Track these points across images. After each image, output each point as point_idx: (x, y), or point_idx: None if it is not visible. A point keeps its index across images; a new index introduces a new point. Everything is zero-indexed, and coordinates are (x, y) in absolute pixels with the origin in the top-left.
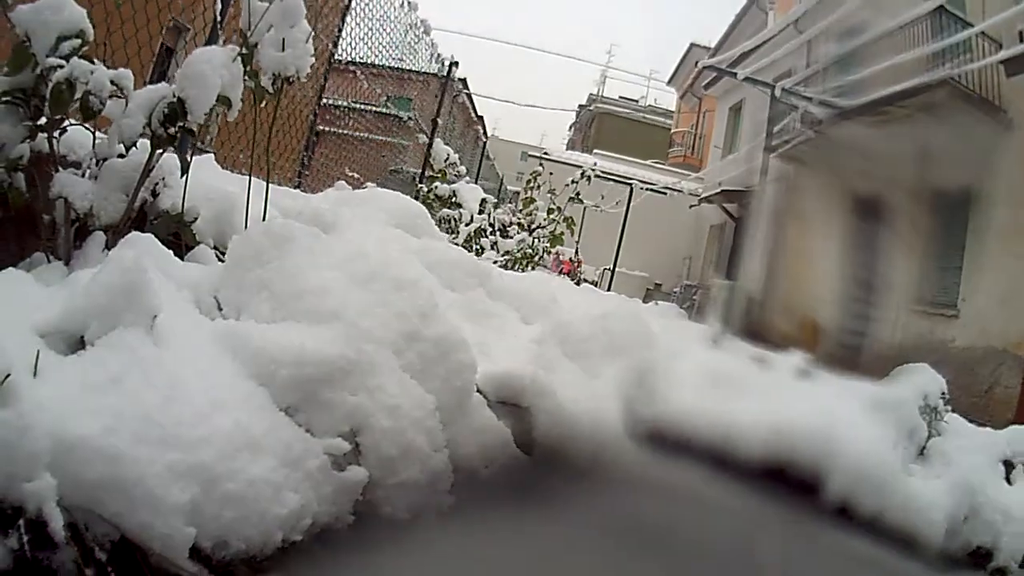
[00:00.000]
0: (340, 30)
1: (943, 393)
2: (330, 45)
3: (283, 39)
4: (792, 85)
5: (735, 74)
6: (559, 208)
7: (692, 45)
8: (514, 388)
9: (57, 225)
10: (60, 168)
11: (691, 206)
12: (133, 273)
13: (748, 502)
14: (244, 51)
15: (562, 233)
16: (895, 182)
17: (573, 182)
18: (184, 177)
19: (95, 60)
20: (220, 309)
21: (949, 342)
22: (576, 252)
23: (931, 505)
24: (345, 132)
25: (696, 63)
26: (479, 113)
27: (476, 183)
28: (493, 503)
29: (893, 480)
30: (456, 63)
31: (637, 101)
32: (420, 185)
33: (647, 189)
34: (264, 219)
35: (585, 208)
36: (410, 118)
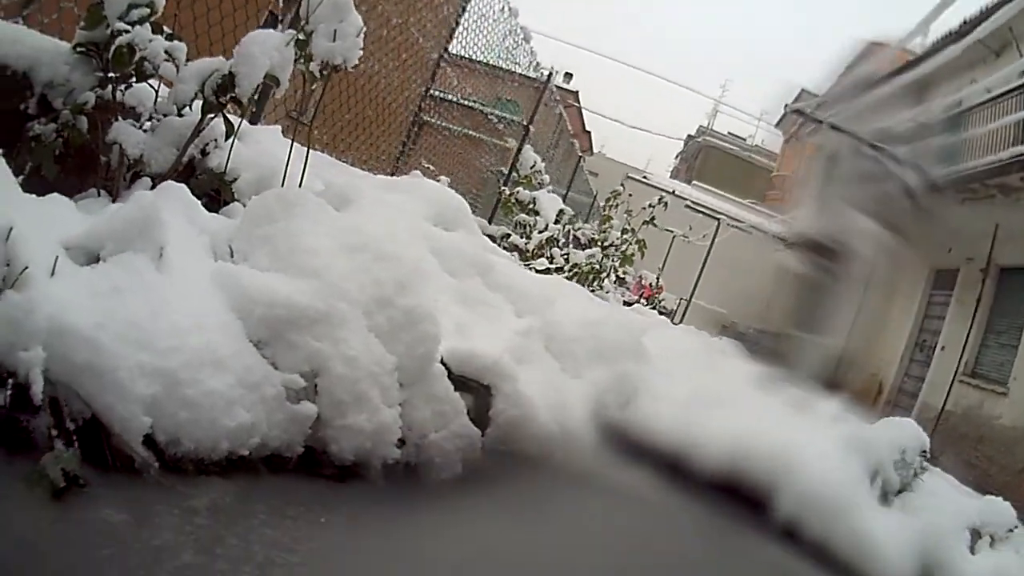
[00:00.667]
0: (456, 23)
1: (924, 451)
2: (445, 35)
3: (334, 30)
4: (880, 141)
5: (820, 121)
6: (633, 230)
7: (803, 91)
8: (477, 366)
9: (111, 166)
10: (120, 118)
11: (776, 250)
12: (148, 210)
13: (686, 508)
14: (300, 37)
15: (632, 254)
16: (971, 259)
17: (650, 206)
18: (230, 141)
19: (165, 29)
20: (232, 256)
21: (995, 418)
22: (658, 279)
23: (885, 542)
24: (450, 126)
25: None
26: (587, 128)
27: (567, 195)
28: (433, 466)
29: (847, 511)
30: (569, 74)
31: (745, 140)
32: (503, 188)
33: (733, 225)
34: (300, 186)
35: (673, 237)
36: (517, 121)
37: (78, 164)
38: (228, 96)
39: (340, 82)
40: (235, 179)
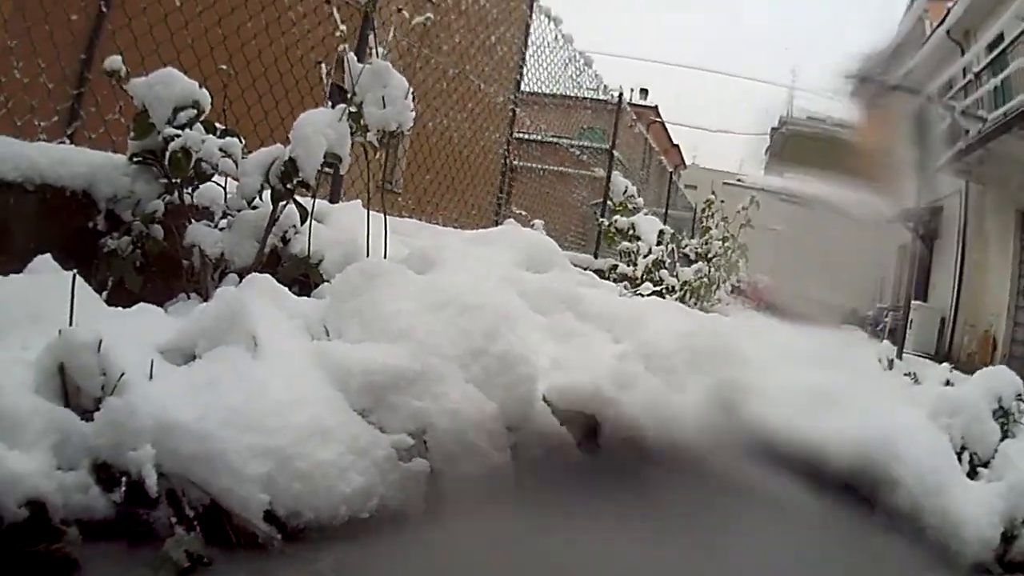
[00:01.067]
0: (523, 64)
1: (1020, 395)
2: (516, 76)
3: (381, 97)
4: (943, 94)
5: (882, 82)
6: (732, 236)
7: (867, 55)
8: (578, 397)
9: (195, 269)
10: (193, 220)
11: (878, 225)
12: (233, 304)
13: (800, 506)
14: (351, 110)
15: (737, 261)
16: None
17: (743, 209)
18: (307, 225)
19: (217, 125)
20: (327, 333)
21: None
22: (768, 280)
23: (979, 514)
24: (539, 166)
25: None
26: (674, 142)
27: (666, 213)
28: (553, 498)
29: (946, 487)
30: (644, 90)
31: (824, 120)
32: (601, 219)
33: (832, 211)
34: (385, 256)
35: (777, 233)
36: (601, 149)
37: (161, 271)
38: (295, 181)
39: (416, 144)
40: (320, 261)
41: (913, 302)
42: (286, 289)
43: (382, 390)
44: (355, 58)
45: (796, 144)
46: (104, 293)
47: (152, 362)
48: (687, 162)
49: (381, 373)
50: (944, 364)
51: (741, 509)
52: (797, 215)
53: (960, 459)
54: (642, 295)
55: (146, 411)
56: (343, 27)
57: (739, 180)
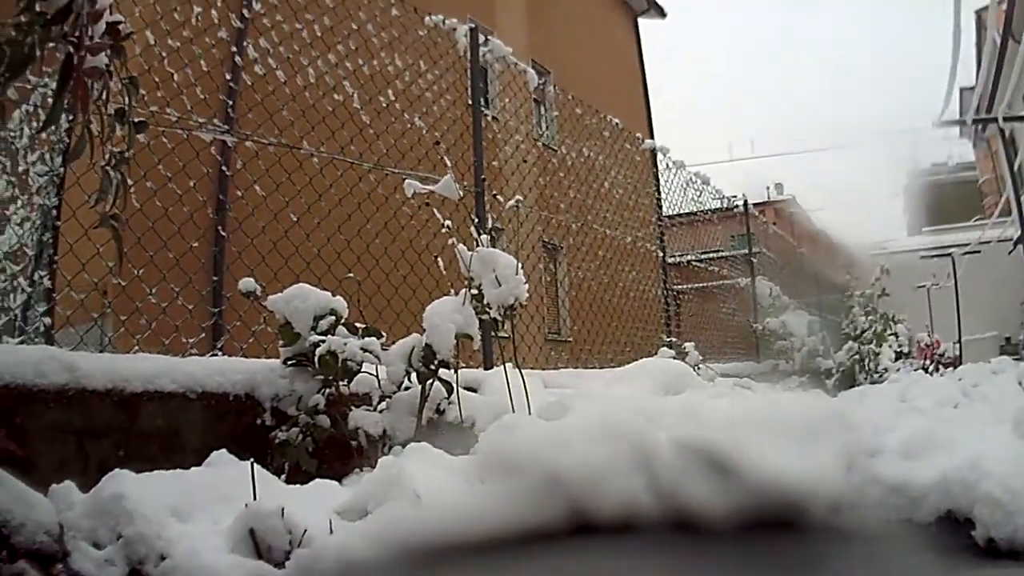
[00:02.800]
0: (658, 191)
1: None
2: (655, 205)
3: (495, 277)
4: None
5: (964, 122)
6: (874, 309)
7: (962, 89)
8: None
9: (362, 446)
10: (353, 407)
11: (1009, 252)
12: (392, 468)
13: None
14: (474, 293)
15: (884, 331)
16: None
17: (876, 280)
18: (455, 396)
19: (358, 325)
20: (481, 481)
21: None
22: (930, 334)
23: None
24: (700, 285)
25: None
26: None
27: (819, 301)
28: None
29: (1022, 496)
30: (779, 184)
31: (946, 163)
32: (755, 325)
33: (964, 253)
34: (530, 412)
35: (929, 288)
36: (741, 256)
37: (335, 453)
38: (436, 362)
39: (578, 295)
40: (472, 424)
41: None
42: (443, 452)
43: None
44: (464, 248)
45: (928, 196)
46: (283, 476)
47: (331, 520)
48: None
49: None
50: None
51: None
52: (935, 267)
53: None
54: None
55: (328, 555)
56: (448, 222)
57: (883, 248)
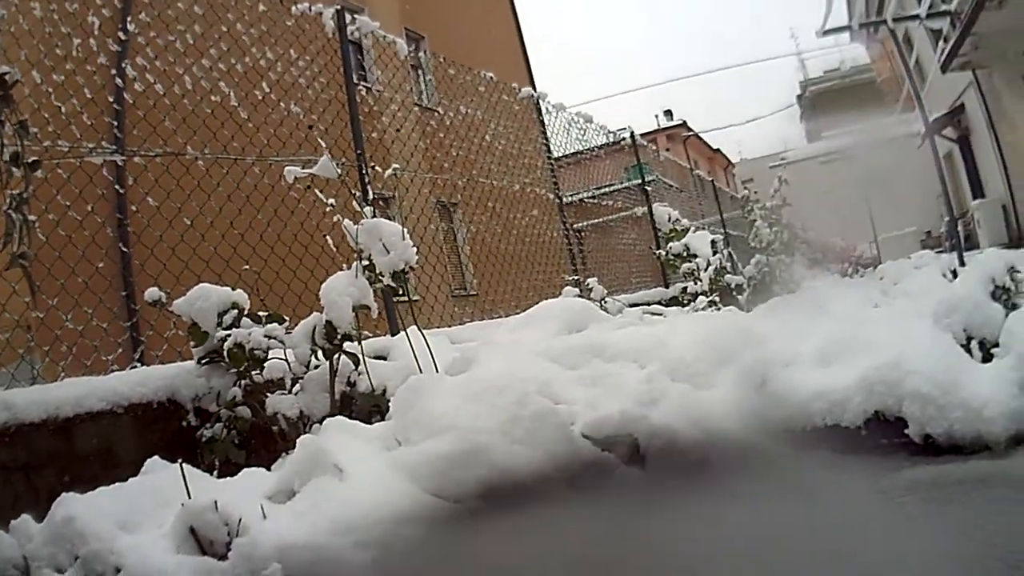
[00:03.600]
0: (545, 136)
1: (1012, 268)
2: (542, 147)
3: (382, 245)
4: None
5: (851, 27)
6: (776, 220)
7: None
8: (611, 425)
9: (284, 430)
10: (268, 393)
11: (918, 146)
12: (311, 447)
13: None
14: (365, 264)
15: (791, 240)
16: None
17: (775, 192)
18: (361, 367)
19: (261, 314)
20: (399, 444)
21: None
22: (843, 238)
23: (996, 391)
24: (599, 220)
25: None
26: (715, 147)
27: (723, 220)
28: (603, 511)
29: (958, 380)
30: (668, 111)
31: (839, 68)
32: (658, 251)
33: (868, 151)
34: (437, 371)
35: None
36: (635, 187)
37: (261, 442)
38: (339, 337)
39: (477, 249)
40: (383, 391)
41: (974, 202)
42: (359, 423)
43: (445, 471)
44: (350, 223)
45: (823, 103)
46: (215, 472)
47: (262, 506)
48: (735, 160)
49: (438, 459)
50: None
51: (768, 477)
52: (845, 170)
53: (970, 350)
54: (697, 309)
55: (266, 541)
56: (331, 201)
57: (782, 159)
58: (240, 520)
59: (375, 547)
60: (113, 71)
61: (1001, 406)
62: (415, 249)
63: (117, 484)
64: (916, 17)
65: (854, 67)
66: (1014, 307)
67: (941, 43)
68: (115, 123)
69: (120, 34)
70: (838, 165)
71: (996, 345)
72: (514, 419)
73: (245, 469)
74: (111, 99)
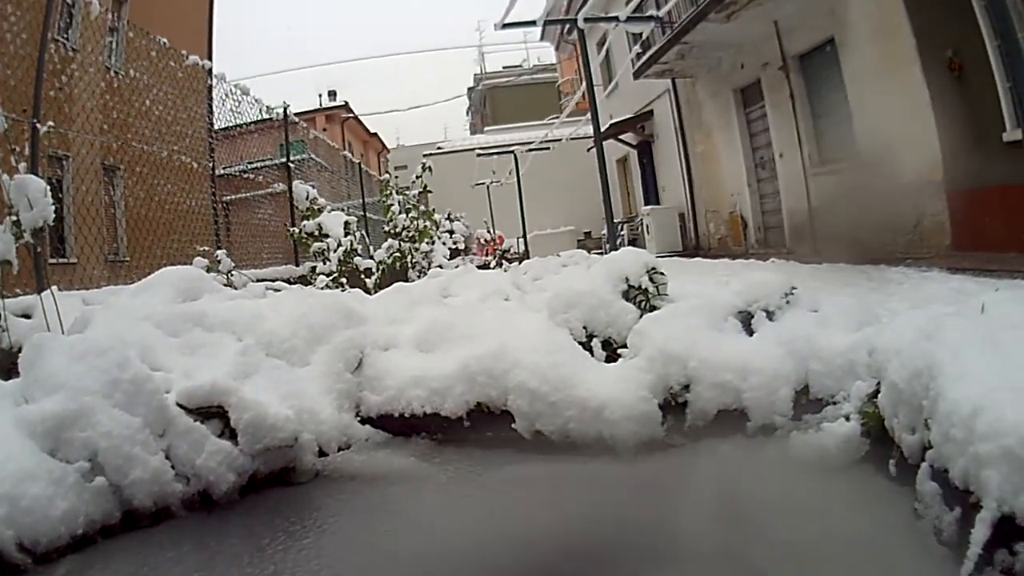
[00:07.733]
0: (210, 107)
1: (653, 270)
2: (207, 116)
3: (27, 201)
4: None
5: (533, 23)
6: (414, 206)
7: None
8: (203, 396)
9: None
10: None
11: (588, 149)
12: None
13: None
14: (14, 219)
15: (426, 227)
16: (766, 63)
17: (417, 178)
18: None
19: None
20: (27, 401)
21: (861, 190)
22: (491, 230)
23: (624, 392)
24: (246, 195)
25: (563, 11)
26: (373, 131)
27: (364, 203)
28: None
29: (573, 379)
30: (333, 92)
31: (521, 65)
32: (292, 229)
33: (529, 150)
34: (63, 331)
35: (489, 186)
36: (280, 163)
37: None
38: None
39: (132, 217)
40: (19, 349)
41: (645, 208)
42: None
43: (56, 431)
44: (7, 178)
45: (496, 97)
46: None
47: None
48: (390, 145)
49: (50, 419)
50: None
51: (350, 465)
52: (499, 165)
53: (591, 348)
54: (328, 286)
55: None
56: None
57: (439, 148)
58: None
59: (5, 503)
60: None
61: (626, 409)
62: (54, 208)
63: None
64: (614, 19)
65: (537, 65)
66: (652, 309)
67: (637, 48)
68: None
69: None
70: (501, 160)
71: (624, 346)
72: (115, 382)
73: None
74: None
